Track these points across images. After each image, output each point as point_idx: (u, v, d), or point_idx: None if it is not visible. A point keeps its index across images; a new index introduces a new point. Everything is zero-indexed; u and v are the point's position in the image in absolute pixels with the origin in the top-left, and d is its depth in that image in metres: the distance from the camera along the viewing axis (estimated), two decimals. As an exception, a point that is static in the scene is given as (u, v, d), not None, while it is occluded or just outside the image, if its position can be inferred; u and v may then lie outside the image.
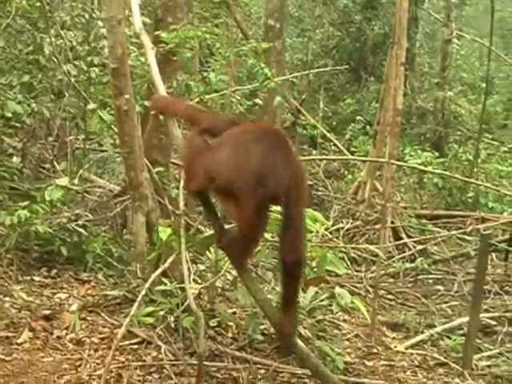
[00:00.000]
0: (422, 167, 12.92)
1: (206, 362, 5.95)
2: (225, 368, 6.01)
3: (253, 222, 4.37)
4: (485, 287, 9.62)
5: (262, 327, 6.53)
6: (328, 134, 17.27)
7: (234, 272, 6.70)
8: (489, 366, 7.52)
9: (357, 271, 10.15)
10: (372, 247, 9.07)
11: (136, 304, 4.84)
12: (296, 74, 16.94)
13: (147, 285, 5.06)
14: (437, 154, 15.26)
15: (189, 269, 5.68)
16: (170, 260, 5.21)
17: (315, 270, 6.40)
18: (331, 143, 16.91)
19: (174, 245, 5.31)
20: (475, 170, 14.67)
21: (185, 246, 5.27)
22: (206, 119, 4.83)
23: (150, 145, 9.06)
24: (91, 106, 8.06)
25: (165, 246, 5.61)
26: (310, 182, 11.73)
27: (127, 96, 6.77)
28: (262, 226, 4.51)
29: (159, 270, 5.14)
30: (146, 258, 6.34)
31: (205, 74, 11.08)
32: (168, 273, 6.48)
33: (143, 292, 4.93)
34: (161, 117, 7.86)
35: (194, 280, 6.22)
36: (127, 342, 6.12)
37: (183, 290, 5.60)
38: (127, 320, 4.85)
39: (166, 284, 6.25)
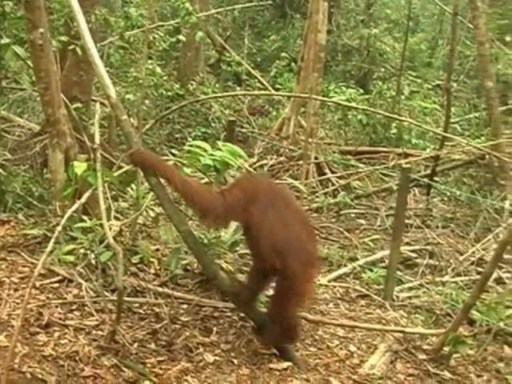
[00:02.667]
0: (345, 103, 12.95)
1: (128, 298, 5.94)
2: (147, 303, 5.99)
3: None
4: (407, 221, 9.80)
5: (184, 262, 6.52)
6: (253, 71, 17.16)
7: (156, 209, 6.67)
8: (409, 298, 7.68)
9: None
10: (295, 182, 9.09)
11: (52, 240, 4.75)
12: (220, 9, 16.72)
13: (63, 221, 4.96)
14: (361, 90, 15.32)
15: (109, 206, 5.62)
16: (86, 195, 5.12)
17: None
18: (256, 80, 16.80)
19: (91, 180, 5.21)
20: (398, 106, 14.78)
21: (103, 181, 5.20)
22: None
23: (70, 82, 8.87)
24: (4, 40, 7.79)
25: (81, 182, 5.51)
26: (232, 118, 11.62)
27: (41, 30, 6.58)
28: None
29: (75, 206, 5.04)
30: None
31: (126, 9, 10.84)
32: (89, 210, 6.41)
33: (59, 228, 4.84)
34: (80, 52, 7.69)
35: (115, 217, 6.14)
36: (48, 281, 6.02)
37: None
38: (44, 257, 4.75)
39: (85, 221, 6.19)
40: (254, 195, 5.26)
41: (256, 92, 15.75)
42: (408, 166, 8.68)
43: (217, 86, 15.70)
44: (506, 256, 8.23)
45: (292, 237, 5.22)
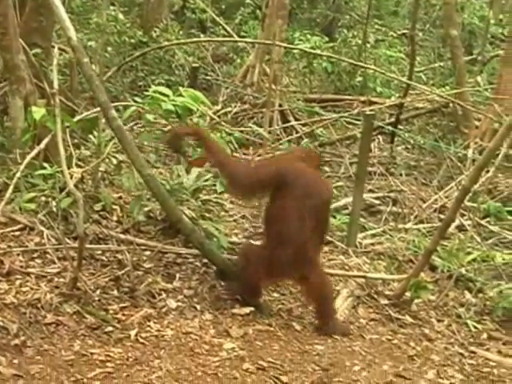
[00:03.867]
0: (309, 50, 12.86)
1: (90, 246, 5.91)
2: (109, 251, 5.96)
3: None
4: (371, 169, 9.85)
5: (146, 209, 6.48)
6: (217, 18, 16.97)
7: (119, 156, 6.62)
8: (372, 244, 7.74)
9: (245, 154, 10.13)
10: (259, 129, 9.04)
11: (11, 187, 4.70)
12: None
13: (22, 167, 4.91)
14: (327, 38, 15.24)
15: (71, 153, 5.57)
16: (45, 141, 5.05)
17: (199, 150, 6.37)
18: (220, 27, 16.63)
19: (50, 125, 5.13)
20: (364, 54, 14.73)
21: (62, 127, 5.13)
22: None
23: (29, 28, 8.66)
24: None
25: (40, 128, 5.43)
26: (196, 65, 11.51)
27: (-2, -26, 6.43)
28: None
29: (34, 152, 4.98)
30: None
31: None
32: (50, 158, 6.32)
33: (18, 174, 4.77)
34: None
35: (77, 165, 6.08)
36: (9, 229, 5.94)
37: (65, 174, 5.46)
38: (2, 204, 4.70)
39: (46, 168, 6.11)
40: (284, 178, 5.36)
41: (219, 39, 15.60)
42: (372, 113, 8.63)
43: (181, 33, 15.49)
44: (467, 203, 8.32)
45: (295, 230, 5.33)
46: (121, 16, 13.71)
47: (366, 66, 12.85)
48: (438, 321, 6.38)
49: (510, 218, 8.60)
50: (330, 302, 5.69)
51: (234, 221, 7.71)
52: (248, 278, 5.55)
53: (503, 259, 7.33)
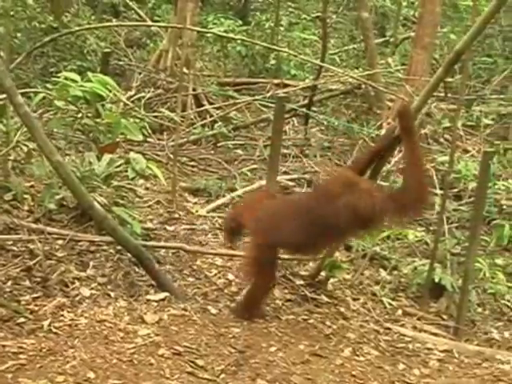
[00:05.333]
0: (222, 33, 12.80)
1: (1, 236, 5.81)
2: (20, 240, 5.85)
3: None
4: (285, 151, 9.90)
5: (58, 197, 6.38)
6: (130, 3, 16.73)
7: (29, 144, 6.50)
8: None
9: (159, 139, 10.08)
10: (171, 114, 8.98)
11: None
12: None
13: None
14: (240, 22, 15.20)
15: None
16: None
17: (110, 136, 6.30)
18: (133, 12, 16.41)
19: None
20: (277, 37, 14.74)
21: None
22: None
23: None
24: None
25: None
26: (107, 50, 11.34)
27: None
28: None
29: None
30: None
31: None
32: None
33: None
34: None
35: (-15, 154, 5.96)
36: None
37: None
38: None
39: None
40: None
41: (131, 23, 15.40)
42: (284, 95, 8.67)
43: (93, 18, 15.22)
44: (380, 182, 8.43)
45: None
46: (30, 1, 13.38)
47: (279, 48, 12.87)
48: (354, 299, 6.48)
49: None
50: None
51: (149, 206, 7.66)
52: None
53: (416, 237, 7.48)
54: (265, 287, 5.63)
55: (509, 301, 6.97)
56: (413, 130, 5.31)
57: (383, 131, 9.74)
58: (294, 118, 11.90)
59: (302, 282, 6.36)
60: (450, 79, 11.37)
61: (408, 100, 9.57)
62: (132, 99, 10.22)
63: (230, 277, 6.21)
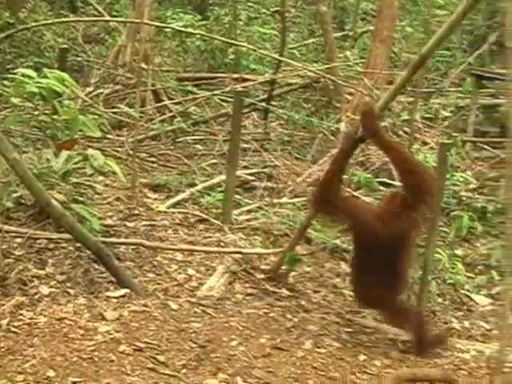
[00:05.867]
0: (179, 28, 12.74)
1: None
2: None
3: None
4: (246, 146, 9.90)
5: (16, 195, 6.32)
6: (87, -3, 16.62)
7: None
8: (248, 220, 7.79)
9: (118, 136, 10.02)
10: (129, 110, 8.93)
11: None
12: None
13: None
14: (199, 16, 15.17)
15: None
16: None
17: (68, 133, 6.25)
18: (91, 7, 16.27)
19: None
20: (235, 32, 14.70)
21: None
22: None
23: None
24: None
25: None
26: (65, 46, 11.22)
27: None
28: None
29: None
30: None
31: None
32: None
33: None
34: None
35: None
36: None
37: None
38: None
39: None
40: None
41: (89, 18, 15.27)
42: (241, 90, 8.66)
43: (50, 13, 15.09)
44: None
45: None
46: (-15, -3, 13.25)
47: (237, 43, 12.84)
48: (315, 292, 6.50)
49: (382, 188, 8.80)
50: None
51: (108, 203, 7.62)
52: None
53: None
54: (420, 324, 5.78)
55: (468, 290, 7.03)
56: (379, 130, 5.36)
57: (342, 125, 9.81)
58: (253, 113, 11.91)
59: (262, 276, 6.36)
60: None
61: (367, 93, 9.63)
62: (90, 95, 10.15)
63: (191, 272, 6.21)
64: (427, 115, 11.97)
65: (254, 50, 11.60)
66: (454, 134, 10.34)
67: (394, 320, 5.81)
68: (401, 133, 10.55)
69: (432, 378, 5.31)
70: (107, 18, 14.70)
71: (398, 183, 8.07)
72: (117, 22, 14.31)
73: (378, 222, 5.30)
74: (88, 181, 6.58)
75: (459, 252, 7.71)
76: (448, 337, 5.94)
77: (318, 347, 5.45)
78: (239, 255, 6.51)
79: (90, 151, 6.37)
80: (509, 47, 4.05)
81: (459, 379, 5.37)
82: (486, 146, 11.11)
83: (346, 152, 5.60)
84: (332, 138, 9.87)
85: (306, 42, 17.23)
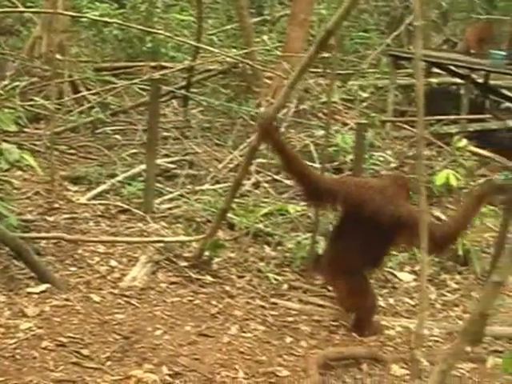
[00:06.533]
0: (95, 17, 12.55)
1: None
2: None
3: None
4: (166, 134, 9.85)
5: None
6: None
7: None
8: (170, 209, 7.76)
9: (36, 129, 9.85)
10: (45, 103, 8.79)
11: None
12: None
13: None
14: (116, 5, 14.98)
15: None
16: None
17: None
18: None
19: None
20: (152, 20, 14.58)
21: None
22: None
23: None
24: None
25: None
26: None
27: None
28: None
29: None
30: None
31: None
32: None
33: None
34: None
35: None
36: None
37: None
38: None
39: None
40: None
41: (1, 10, 14.88)
42: (160, 78, 8.59)
43: (-40, 6, 14.73)
44: (258, 160, 8.57)
45: None
46: None
47: (155, 31, 12.73)
48: (239, 277, 6.51)
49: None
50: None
51: (27, 198, 7.50)
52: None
53: (297, 211, 7.57)
54: (371, 307, 5.89)
55: (391, 268, 7.13)
56: (281, 141, 5.53)
57: (262, 109, 9.86)
58: (173, 101, 11.85)
59: (185, 264, 6.35)
60: (327, 55, 11.49)
61: (285, 76, 9.66)
62: (6, 89, 9.95)
63: (113, 263, 6.17)
64: (347, 97, 12.10)
65: (172, 38, 11.50)
66: (373, 115, 10.48)
67: (349, 297, 5.81)
68: (320, 115, 10.66)
69: (358, 355, 5.41)
70: (21, 8, 14.38)
71: (317, 165, 8.20)
72: (31, 12, 14.02)
73: (385, 201, 5.47)
74: (5, 176, 6.46)
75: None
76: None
77: (244, 332, 5.49)
78: (161, 244, 6.48)
79: (4, 145, 6.25)
80: (416, 26, 4.12)
81: (384, 356, 5.49)
82: (405, 126, 11.27)
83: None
84: (252, 123, 9.87)
85: (224, 27, 17.19)
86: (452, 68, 12.87)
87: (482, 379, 5.35)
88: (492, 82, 13.55)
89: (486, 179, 5.95)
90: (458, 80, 13.15)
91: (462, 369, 5.48)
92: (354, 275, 5.74)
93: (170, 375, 4.66)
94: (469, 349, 5.78)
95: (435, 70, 13.79)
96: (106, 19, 12.66)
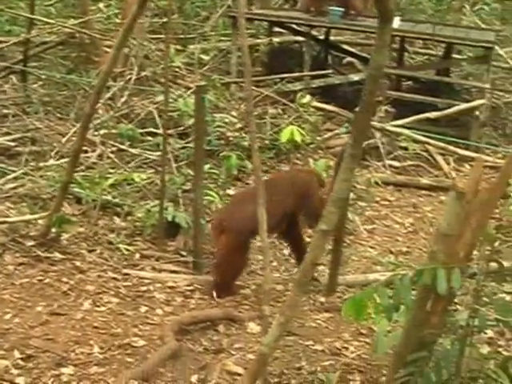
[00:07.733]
0: None
1: None
2: None
3: None
4: (6, 111, 9.50)
5: None
6: None
7: None
8: (14, 188, 7.50)
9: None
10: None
11: None
12: None
13: None
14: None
15: None
16: None
17: None
18: None
19: None
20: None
21: None
22: None
23: None
24: None
25: None
26: None
27: None
28: None
29: None
30: None
31: None
32: None
33: None
34: None
35: None
36: None
37: None
38: None
39: None
40: None
41: None
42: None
43: None
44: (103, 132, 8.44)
45: None
46: None
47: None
48: (90, 251, 6.42)
49: (149, 138, 8.78)
50: None
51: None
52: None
53: (143, 179, 7.49)
54: (239, 270, 5.98)
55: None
56: None
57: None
58: (12, 76, 11.41)
59: (32, 243, 6.19)
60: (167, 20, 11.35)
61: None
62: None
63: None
64: (190, 61, 12.03)
65: (3, 10, 11.07)
66: (214, 77, 10.47)
67: (227, 254, 5.86)
68: (162, 81, 10.53)
69: (213, 318, 5.46)
70: None
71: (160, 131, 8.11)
72: None
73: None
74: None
75: (232, 191, 7.86)
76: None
77: (98, 306, 5.47)
78: (5, 225, 6.28)
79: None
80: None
81: (240, 315, 5.56)
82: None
83: None
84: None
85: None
86: (293, 26, 12.98)
87: (338, 327, 5.52)
88: (333, 38, 13.76)
89: (341, 149, 6.06)
90: (299, 38, 13.29)
91: (319, 319, 5.63)
92: (239, 236, 5.79)
93: (22, 359, 4.60)
94: (323, 299, 5.95)
95: (277, 29, 13.86)
96: None
